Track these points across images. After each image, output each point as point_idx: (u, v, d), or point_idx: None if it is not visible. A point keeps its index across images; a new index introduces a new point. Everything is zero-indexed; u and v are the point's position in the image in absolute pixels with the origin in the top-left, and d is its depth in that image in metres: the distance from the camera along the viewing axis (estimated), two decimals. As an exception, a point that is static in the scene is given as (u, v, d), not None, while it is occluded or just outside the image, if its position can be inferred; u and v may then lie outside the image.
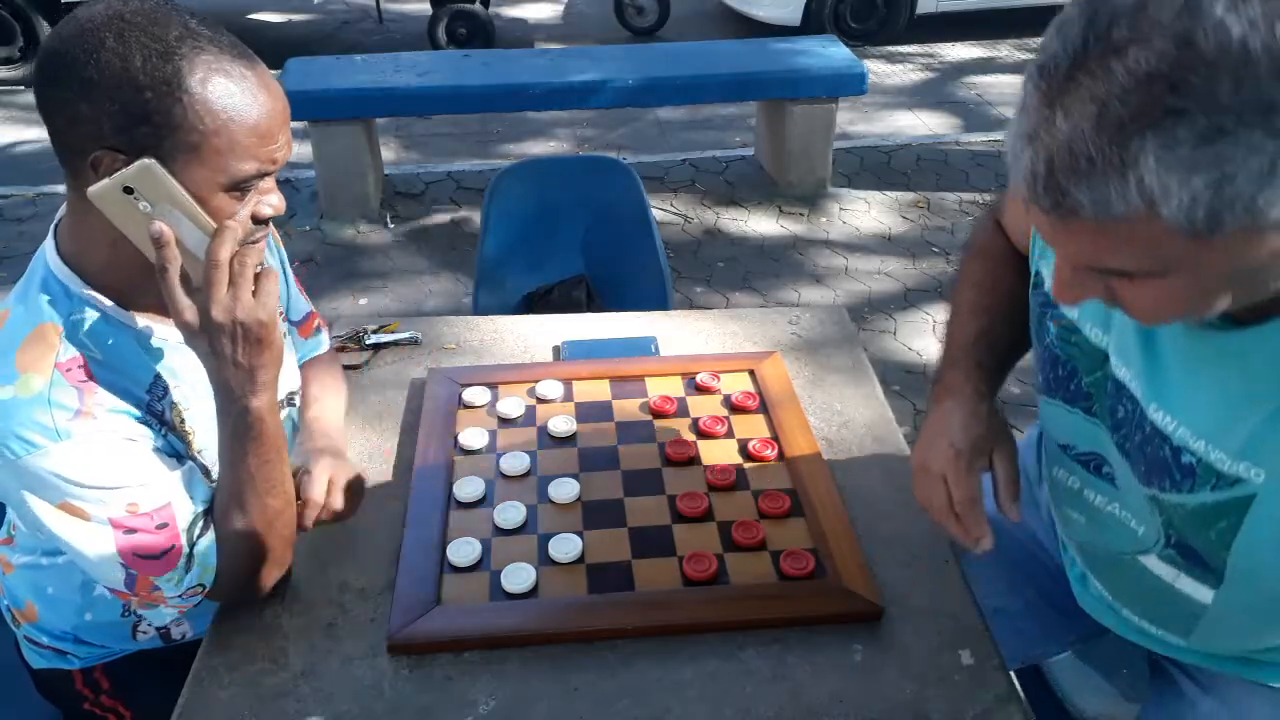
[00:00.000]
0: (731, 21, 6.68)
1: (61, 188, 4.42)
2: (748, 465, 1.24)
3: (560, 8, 7.43)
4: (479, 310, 2.16)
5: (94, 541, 0.92)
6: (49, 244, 0.97)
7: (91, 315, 0.94)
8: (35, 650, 1.19)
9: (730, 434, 1.30)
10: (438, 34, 6.04)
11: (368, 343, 1.51)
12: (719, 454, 1.26)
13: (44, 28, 5.55)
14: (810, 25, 6.13)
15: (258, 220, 0.94)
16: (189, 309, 0.89)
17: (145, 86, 0.84)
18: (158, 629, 1.16)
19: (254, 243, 0.94)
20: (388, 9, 6.75)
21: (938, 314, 1.02)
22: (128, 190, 0.85)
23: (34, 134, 4.95)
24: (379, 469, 1.26)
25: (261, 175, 0.91)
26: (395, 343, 1.51)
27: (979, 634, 1.03)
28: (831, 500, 1.17)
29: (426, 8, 6.27)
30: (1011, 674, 0.99)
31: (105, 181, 0.85)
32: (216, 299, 0.89)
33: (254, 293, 0.90)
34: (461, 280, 3.50)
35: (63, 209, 0.97)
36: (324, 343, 1.35)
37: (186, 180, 0.87)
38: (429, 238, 3.86)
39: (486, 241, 2.20)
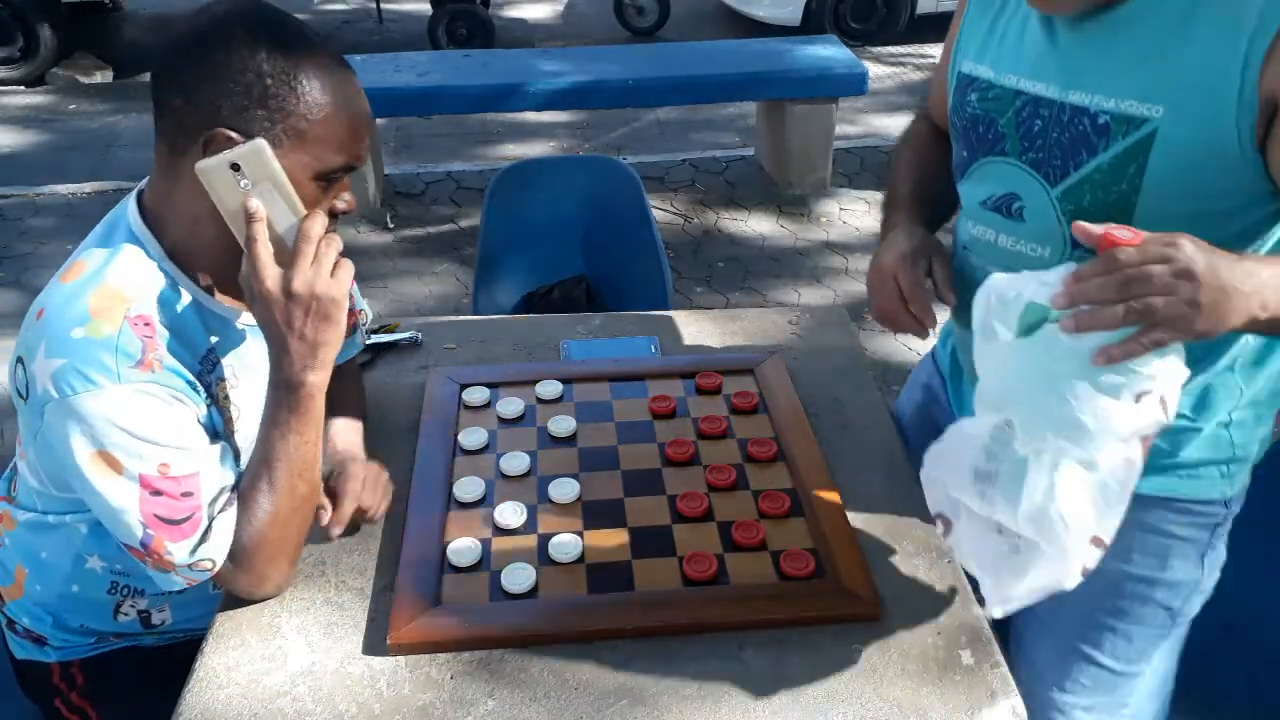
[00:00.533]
0: (731, 21, 6.68)
1: (62, 187, 4.39)
2: (748, 465, 1.24)
3: (560, 8, 7.43)
4: (479, 310, 2.17)
5: (120, 496, 0.95)
6: (132, 208, 1.04)
7: (164, 281, 1.02)
8: (15, 639, 1.20)
9: (730, 434, 1.30)
10: (438, 34, 6.05)
11: (368, 343, 1.51)
12: (719, 454, 1.26)
13: (44, 28, 5.55)
14: (810, 25, 6.14)
15: (332, 214, 1.03)
16: (272, 277, 0.96)
17: (267, 74, 0.94)
18: (139, 611, 1.17)
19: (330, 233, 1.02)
20: (388, 9, 6.75)
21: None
22: (234, 167, 0.94)
23: (34, 134, 4.95)
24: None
25: (347, 169, 1.02)
26: (395, 343, 1.51)
27: (979, 634, 1.03)
28: (831, 500, 1.17)
29: (426, 8, 6.27)
30: (1010, 674, 1.00)
31: (216, 157, 0.94)
32: (301, 269, 0.96)
33: (331, 273, 0.98)
34: (461, 280, 3.51)
35: (145, 181, 1.06)
36: (357, 344, 1.37)
37: (286, 164, 0.96)
38: (429, 238, 3.86)
39: (486, 241, 2.20)
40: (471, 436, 1.28)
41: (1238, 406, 1.10)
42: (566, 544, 1.11)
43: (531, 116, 4.97)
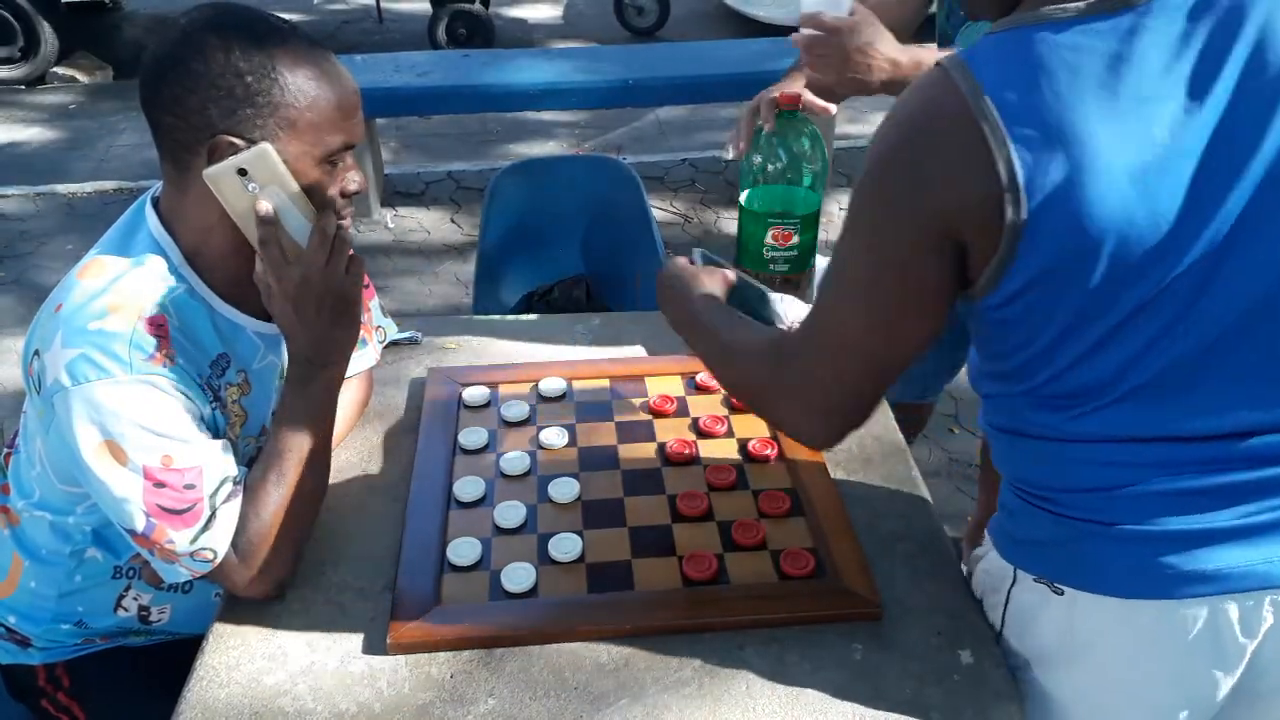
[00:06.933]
0: (731, 21, 6.67)
1: (62, 187, 4.38)
2: (748, 465, 1.24)
3: (560, 8, 7.43)
4: (479, 310, 2.16)
5: (124, 486, 0.96)
6: (151, 213, 1.05)
7: (183, 287, 1.03)
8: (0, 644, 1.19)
9: (730, 434, 1.30)
10: (438, 34, 6.04)
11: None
12: (719, 454, 1.26)
13: (45, 28, 5.54)
14: (810, 25, 6.12)
15: (344, 195, 1.05)
16: (288, 276, 0.99)
17: (246, 72, 0.95)
18: (140, 607, 1.17)
19: (342, 218, 1.05)
20: (388, 9, 6.75)
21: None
22: (241, 172, 0.96)
23: (34, 134, 4.95)
24: (379, 469, 1.27)
25: (347, 148, 1.03)
26: (395, 343, 1.51)
27: (979, 634, 1.03)
28: (831, 500, 1.17)
29: (426, 8, 6.27)
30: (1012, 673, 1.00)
31: (223, 163, 0.96)
32: (316, 268, 1.00)
33: (346, 270, 1.02)
34: (461, 280, 3.50)
35: (157, 187, 1.07)
36: (367, 359, 1.35)
37: (285, 155, 0.97)
38: (429, 238, 3.86)
39: (486, 241, 2.20)
40: (471, 436, 1.28)
41: None
42: (566, 544, 1.11)
43: (531, 116, 4.96)
